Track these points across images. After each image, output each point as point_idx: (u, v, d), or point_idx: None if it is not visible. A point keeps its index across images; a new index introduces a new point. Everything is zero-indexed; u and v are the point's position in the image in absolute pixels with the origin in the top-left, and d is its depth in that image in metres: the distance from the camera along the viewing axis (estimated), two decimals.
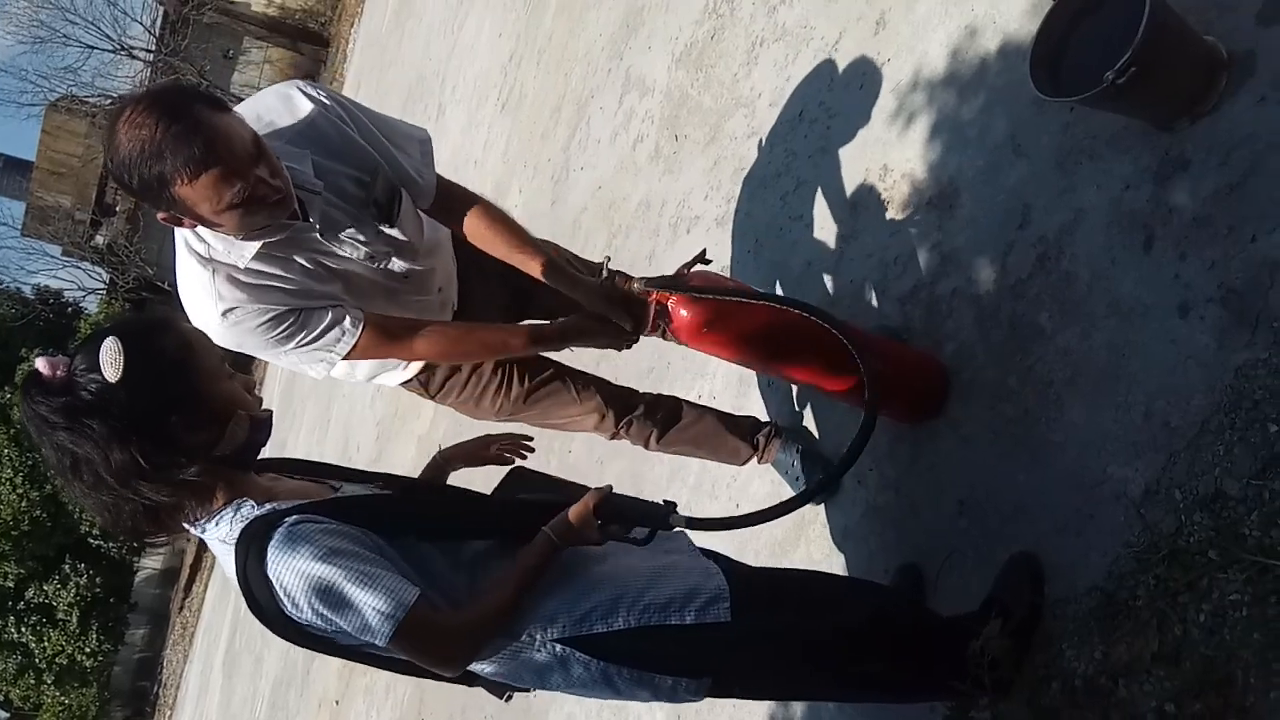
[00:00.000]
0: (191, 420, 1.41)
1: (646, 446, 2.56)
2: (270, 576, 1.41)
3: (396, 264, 2.06)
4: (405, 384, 2.36)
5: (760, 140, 3.29)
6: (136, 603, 18.56)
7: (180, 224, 1.76)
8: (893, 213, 2.61)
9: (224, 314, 1.87)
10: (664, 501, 1.65)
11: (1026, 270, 2.15)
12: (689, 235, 3.59)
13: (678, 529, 1.66)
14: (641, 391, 2.58)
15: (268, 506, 1.48)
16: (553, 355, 2.40)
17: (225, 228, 1.76)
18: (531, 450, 2.07)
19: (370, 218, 1.95)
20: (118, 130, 1.62)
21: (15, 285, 20.30)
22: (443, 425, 5.82)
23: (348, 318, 1.96)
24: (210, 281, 1.86)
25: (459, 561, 1.58)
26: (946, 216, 2.42)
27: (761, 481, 2.77)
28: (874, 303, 2.59)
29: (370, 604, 1.40)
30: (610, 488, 1.61)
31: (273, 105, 1.91)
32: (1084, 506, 1.89)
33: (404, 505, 1.61)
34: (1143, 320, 1.88)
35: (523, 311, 2.39)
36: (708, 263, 2.11)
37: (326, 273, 1.97)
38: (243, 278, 1.87)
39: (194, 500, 1.47)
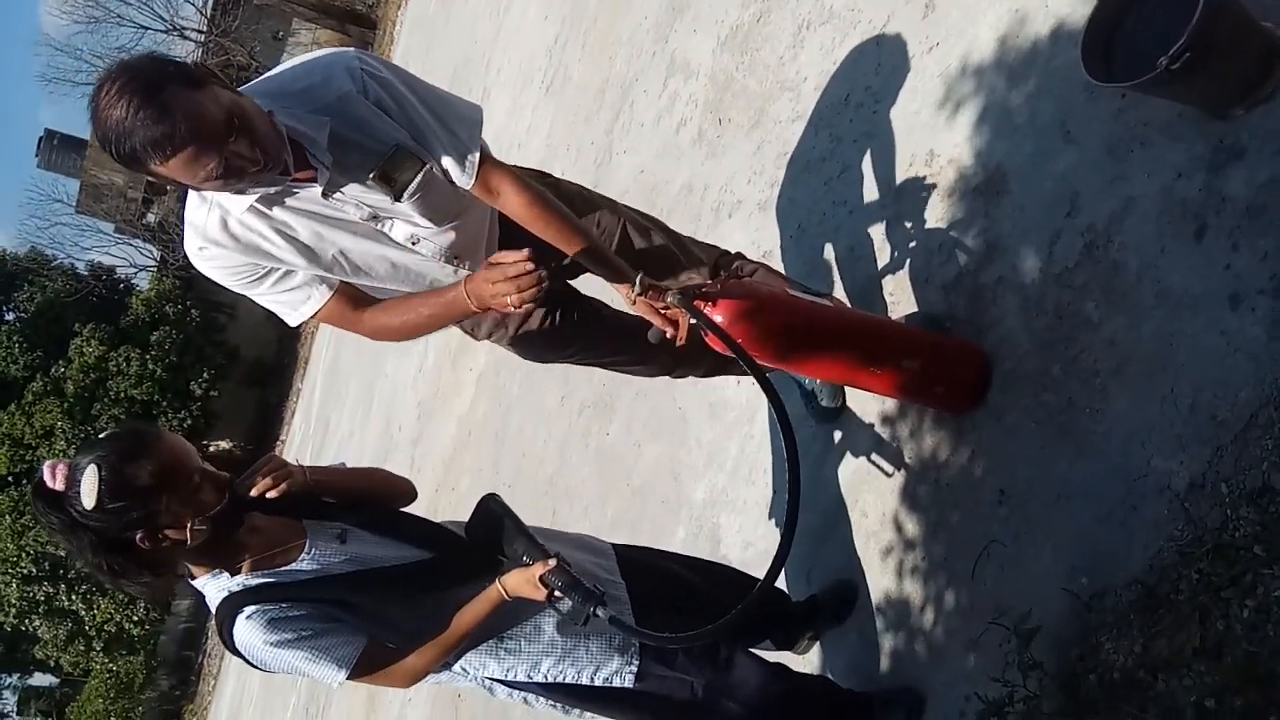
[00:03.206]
0: (153, 536, 1.68)
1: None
2: (240, 650, 1.77)
3: (400, 230, 2.08)
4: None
5: (805, 124, 3.27)
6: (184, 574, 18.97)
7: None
8: (938, 199, 2.58)
9: (200, 249, 2.01)
10: (598, 590, 1.82)
11: (1074, 259, 2.12)
12: (731, 220, 3.58)
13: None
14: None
15: (237, 581, 1.77)
16: (608, 301, 2.52)
17: (209, 191, 1.88)
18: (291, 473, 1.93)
19: (380, 192, 1.98)
20: (99, 102, 1.67)
21: (69, 261, 20.78)
22: (483, 406, 5.88)
23: (318, 285, 2.07)
24: (203, 217, 1.97)
25: (412, 602, 1.86)
26: (993, 203, 2.40)
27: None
28: (917, 290, 2.57)
29: (316, 672, 1.78)
30: (559, 558, 1.82)
31: (314, 72, 1.96)
32: (1127, 498, 1.87)
33: (352, 589, 1.84)
34: (1192, 311, 1.85)
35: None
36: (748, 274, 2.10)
37: (317, 243, 2.03)
38: (232, 224, 1.97)
39: (170, 579, 1.81)
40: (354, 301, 2.11)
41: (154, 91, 1.65)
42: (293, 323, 2.15)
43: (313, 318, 2.12)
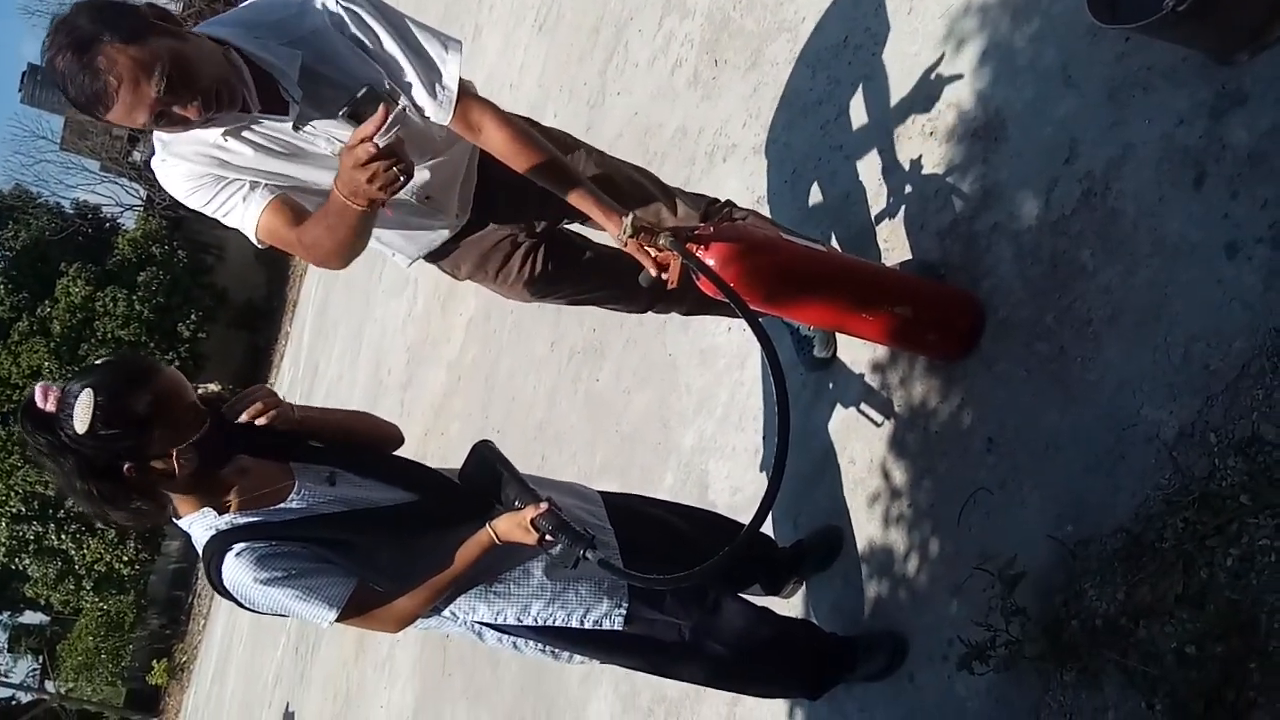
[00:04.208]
0: (142, 467, 1.66)
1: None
2: (228, 588, 1.75)
3: None
4: (430, 262, 2.40)
5: (802, 66, 3.21)
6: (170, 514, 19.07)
7: None
8: (936, 144, 2.55)
9: (163, 161, 2.00)
10: (588, 533, 1.80)
11: (1071, 206, 2.10)
12: (725, 164, 3.54)
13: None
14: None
15: (225, 519, 1.75)
16: (589, 234, 2.48)
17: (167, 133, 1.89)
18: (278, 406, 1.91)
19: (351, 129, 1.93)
20: (48, 56, 1.71)
21: (55, 199, 20.52)
22: (472, 351, 5.85)
23: (256, 193, 1.98)
24: (173, 135, 1.95)
25: (401, 544, 1.86)
26: (991, 149, 2.36)
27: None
28: (912, 236, 2.54)
29: (306, 611, 1.76)
30: (550, 502, 1.80)
31: (290, 4, 1.93)
32: (1115, 447, 1.87)
33: (341, 529, 1.82)
34: (1188, 260, 1.83)
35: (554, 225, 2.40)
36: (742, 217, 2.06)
37: (283, 169, 2.00)
38: (200, 143, 1.95)
39: (157, 511, 1.76)
40: (296, 215, 1.98)
41: (82, 48, 1.68)
42: (250, 234, 2.03)
43: (256, 229, 2.00)
